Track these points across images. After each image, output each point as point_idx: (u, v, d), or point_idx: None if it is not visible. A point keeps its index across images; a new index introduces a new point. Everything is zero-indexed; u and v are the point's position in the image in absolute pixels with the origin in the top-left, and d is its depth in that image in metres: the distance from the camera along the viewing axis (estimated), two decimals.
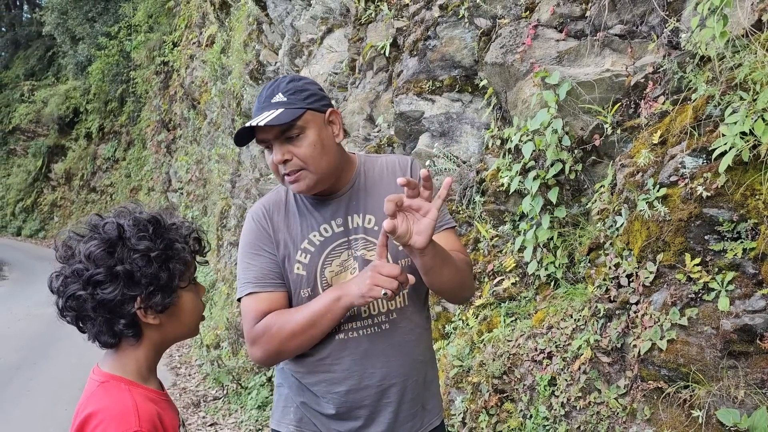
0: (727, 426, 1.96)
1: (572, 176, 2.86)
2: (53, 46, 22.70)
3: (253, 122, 1.49)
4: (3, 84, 24.57)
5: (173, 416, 1.28)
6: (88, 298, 1.17)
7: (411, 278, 1.48)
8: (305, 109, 1.53)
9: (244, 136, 1.57)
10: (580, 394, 2.51)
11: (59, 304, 1.20)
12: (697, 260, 2.14)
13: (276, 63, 6.36)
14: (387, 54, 4.13)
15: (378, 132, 4.32)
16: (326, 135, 1.58)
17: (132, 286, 1.18)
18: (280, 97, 1.53)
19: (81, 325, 1.22)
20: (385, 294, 1.43)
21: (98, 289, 1.17)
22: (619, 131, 2.67)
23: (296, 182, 1.56)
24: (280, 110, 1.51)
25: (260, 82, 6.81)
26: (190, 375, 6.52)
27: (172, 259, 1.23)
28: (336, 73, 4.95)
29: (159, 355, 1.31)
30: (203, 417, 5.14)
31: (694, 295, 2.14)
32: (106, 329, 1.20)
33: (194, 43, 10.91)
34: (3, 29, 27.72)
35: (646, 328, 2.26)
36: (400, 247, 1.60)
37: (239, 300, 1.65)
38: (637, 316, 2.34)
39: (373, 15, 4.39)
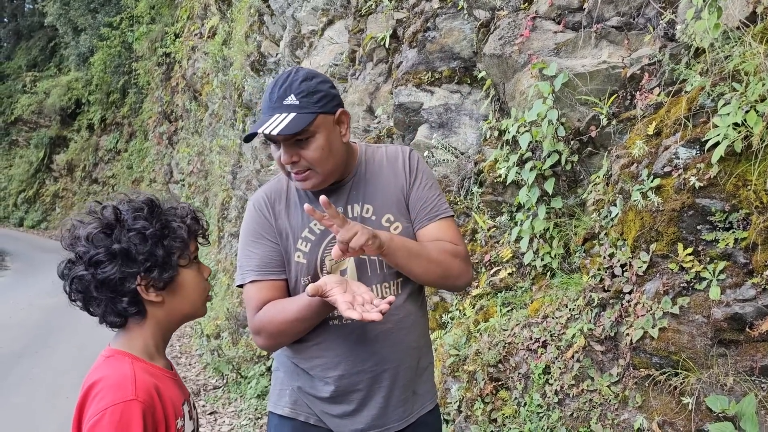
0: (715, 412, 1.99)
1: (568, 167, 2.88)
2: (55, 37, 22.69)
3: (264, 129, 1.48)
4: (5, 75, 24.59)
5: (177, 393, 1.32)
6: (90, 278, 1.22)
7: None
8: (316, 114, 1.52)
9: (252, 134, 1.57)
10: (573, 382, 2.54)
11: (66, 287, 1.25)
12: (690, 250, 2.16)
13: (277, 54, 6.37)
14: (387, 45, 4.14)
15: (377, 123, 4.34)
16: (334, 136, 1.58)
17: (130, 264, 1.23)
18: (292, 99, 1.51)
19: (89, 308, 1.27)
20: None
21: (99, 269, 1.22)
22: (614, 122, 2.69)
23: (304, 181, 1.59)
24: (293, 115, 1.49)
25: (261, 73, 6.82)
26: (190, 365, 6.57)
27: (168, 237, 1.27)
28: (336, 65, 4.97)
29: (166, 335, 1.36)
30: (203, 406, 5.18)
31: (686, 284, 2.17)
32: (111, 309, 1.26)
33: (196, 34, 10.92)
34: (5, 20, 27.72)
35: (638, 317, 2.28)
36: None
37: (240, 286, 1.68)
38: (630, 305, 2.37)
39: (373, 6, 4.40)
